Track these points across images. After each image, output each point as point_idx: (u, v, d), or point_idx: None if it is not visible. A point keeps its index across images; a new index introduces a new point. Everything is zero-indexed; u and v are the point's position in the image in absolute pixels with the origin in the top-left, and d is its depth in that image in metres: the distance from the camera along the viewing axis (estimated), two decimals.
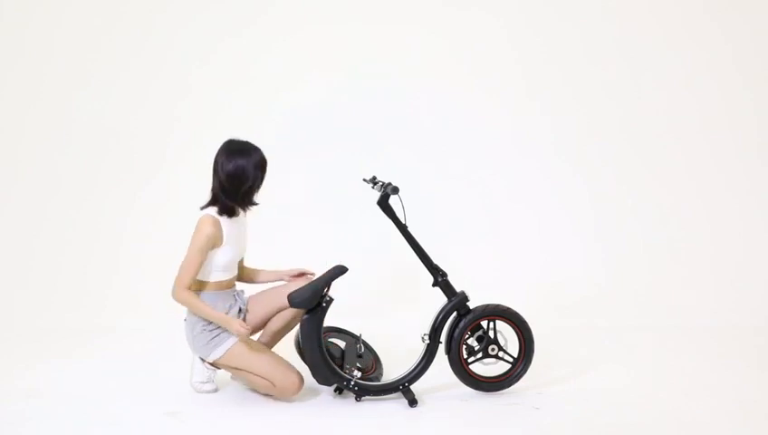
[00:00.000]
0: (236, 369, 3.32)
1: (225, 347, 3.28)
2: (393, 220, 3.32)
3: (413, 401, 3.28)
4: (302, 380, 3.30)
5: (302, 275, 3.49)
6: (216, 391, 3.45)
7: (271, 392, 3.31)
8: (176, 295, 3.25)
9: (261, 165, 3.29)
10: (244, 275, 3.56)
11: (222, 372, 3.47)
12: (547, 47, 5.08)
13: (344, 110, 4.99)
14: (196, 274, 3.26)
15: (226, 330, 3.28)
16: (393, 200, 3.29)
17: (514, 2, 5.08)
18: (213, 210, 3.29)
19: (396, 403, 3.31)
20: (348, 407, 3.28)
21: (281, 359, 3.34)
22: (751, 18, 5.03)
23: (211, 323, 3.29)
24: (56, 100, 5.15)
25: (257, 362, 3.28)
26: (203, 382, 3.43)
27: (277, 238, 4.96)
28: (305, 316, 3.22)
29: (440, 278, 3.34)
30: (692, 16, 5.05)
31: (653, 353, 4.05)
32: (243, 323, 3.23)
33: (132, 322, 4.65)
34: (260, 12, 5.11)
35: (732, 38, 5.04)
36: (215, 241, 3.25)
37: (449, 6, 5.04)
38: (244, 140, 3.34)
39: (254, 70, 5.12)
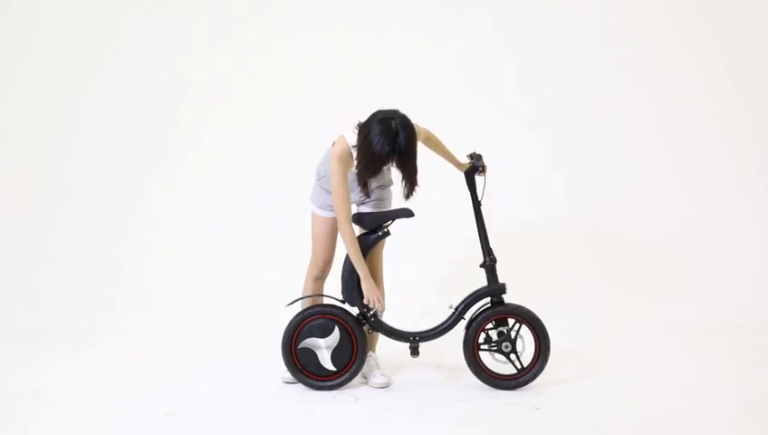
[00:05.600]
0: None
1: (314, 208, 3.57)
2: (471, 193, 3.52)
3: (415, 352, 3.47)
4: (323, 269, 3.59)
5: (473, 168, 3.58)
6: (388, 385, 3.52)
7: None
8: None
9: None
10: (439, 148, 3.65)
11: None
12: (541, 51, 5.08)
13: (344, 111, 4.97)
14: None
15: (317, 204, 3.55)
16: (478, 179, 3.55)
17: (508, 7, 5.08)
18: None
19: (396, 403, 3.32)
20: (347, 407, 3.28)
21: (331, 249, 3.58)
22: (739, 18, 5.02)
23: (322, 181, 3.50)
24: (59, 100, 5.16)
25: (316, 233, 3.58)
26: (374, 376, 3.54)
27: (278, 238, 4.97)
28: (360, 234, 3.44)
29: (489, 262, 3.47)
30: (682, 17, 5.04)
31: (653, 353, 4.05)
32: (378, 295, 3.42)
33: (134, 322, 4.67)
34: (262, 12, 5.11)
35: (721, 38, 5.03)
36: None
37: (448, 13, 5.06)
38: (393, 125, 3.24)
39: (256, 70, 5.12)
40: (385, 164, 3.24)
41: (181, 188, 5.12)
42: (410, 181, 3.27)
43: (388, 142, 3.16)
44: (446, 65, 5.08)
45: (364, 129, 3.24)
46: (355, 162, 3.31)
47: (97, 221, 5.09)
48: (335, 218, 3.45)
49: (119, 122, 5.14)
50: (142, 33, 5.14)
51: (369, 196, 3.44)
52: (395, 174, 3.50)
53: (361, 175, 3.28)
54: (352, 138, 3.32)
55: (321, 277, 3.63)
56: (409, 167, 3.24)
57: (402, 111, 3.32)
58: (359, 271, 3.41)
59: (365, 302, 3.44)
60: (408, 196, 3.31)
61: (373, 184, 3.47)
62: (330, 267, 3.63)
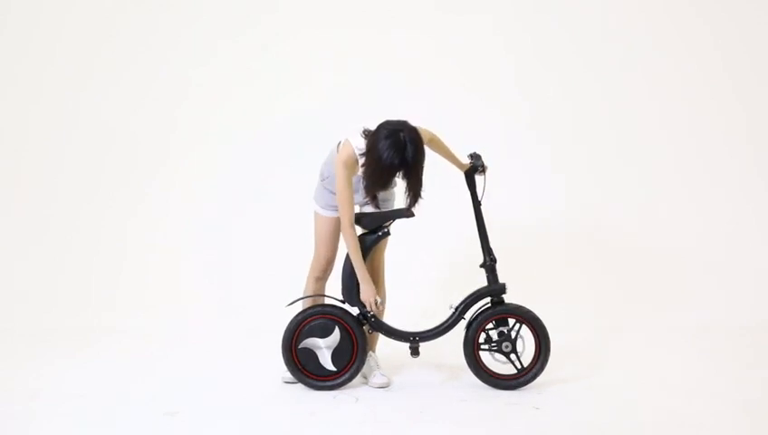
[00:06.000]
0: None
1: (318, 207, 3.56)
2: (471, 193, 3.54)
3: (415, 352, 3.47)
4: (325, 269, 3.59)
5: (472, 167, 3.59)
6: (388, 385, 3.52)
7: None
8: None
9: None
10: (441, 150, 3.62)
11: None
12: (541, 51, 5.08)
13: (344, 111, 4.99)
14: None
15: (320, 206, 3.55)
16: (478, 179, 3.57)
17: (508, 7, 5.09)
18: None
19: (396, 403, 3.32)
20: (347, 407, 3.28)
21: (333, 248, 3.58)
22: (739, 18, 5.03)
23: (325, 182, 3.49)
24: (59, 100, 5.15)
25: (319, 233, 3.58)
26: (374, 376, 3.54)
27: (279, 238, 4.97)
28: (360, 234, 3.44)
29: (489, 262, 3.48)
30: (682, 17, 5.05)
31: (653, 354, 4.05)
32: (375, 298, 3.41)
33: (134, 322, 4.66)
34: (262, 12, 5.11)
35: (721, 38, 5.04)
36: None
37: (448, 13, 5.06)
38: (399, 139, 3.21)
39: (256, 70, 5.12)
40: (393, 176, 3.26)
41: (181, 188, 5.12)
42: (414, 193, 3.29)
43: (396, 155, 3.17)
44: (446, 65, 5.08)
45: (372, 140, 3.23)
46: (361, 169, 3.31)
47: (97, 221, 5.09)
48: (338, 218, 3.45)
49: (119, 122, 5.14)
50: (142, 33, 5.13)
51: (378, 207, 3.45)
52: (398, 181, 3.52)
53: (370, 189, 3.30)
54: (358, 142, 3.31)
55: (322, 278, 3.63)
56: (415, 180, 3.25)
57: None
58: (358, 275, 3.41)
59: (364, 305, 3.45)
60: (410, 207, 3.34)
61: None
62: (332, 267, 3.63)
